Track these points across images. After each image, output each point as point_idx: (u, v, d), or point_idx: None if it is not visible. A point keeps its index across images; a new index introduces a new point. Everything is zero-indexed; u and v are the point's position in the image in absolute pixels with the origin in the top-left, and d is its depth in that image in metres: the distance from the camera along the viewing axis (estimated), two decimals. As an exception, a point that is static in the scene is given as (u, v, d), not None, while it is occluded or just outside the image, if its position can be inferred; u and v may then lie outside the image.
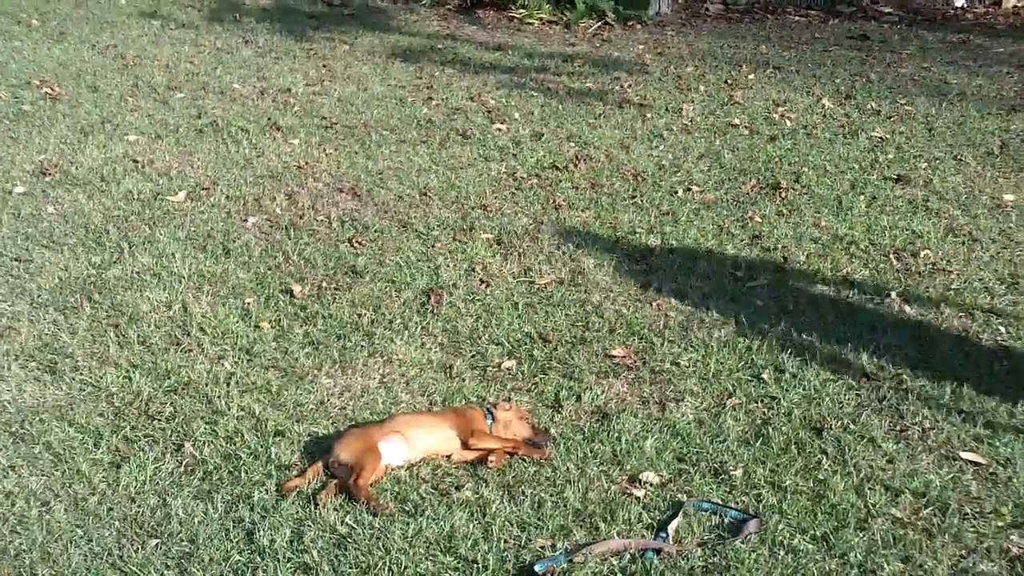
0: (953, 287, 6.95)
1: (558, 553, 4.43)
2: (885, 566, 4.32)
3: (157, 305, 6.63)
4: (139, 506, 4.71)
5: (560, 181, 9.12)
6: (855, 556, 4.38)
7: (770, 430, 5.33)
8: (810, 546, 4.46)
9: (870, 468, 5.01)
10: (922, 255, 7.46)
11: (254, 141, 10.03)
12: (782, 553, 4.42)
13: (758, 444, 5.22)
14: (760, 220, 8.17)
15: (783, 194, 8.71)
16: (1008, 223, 8.09)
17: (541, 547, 4.48)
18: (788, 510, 4.70)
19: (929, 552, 4.41)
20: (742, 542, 4.47)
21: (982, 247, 7.60)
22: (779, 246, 7.66)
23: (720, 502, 4.76)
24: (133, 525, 4.59)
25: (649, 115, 11.16)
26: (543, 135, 10.43)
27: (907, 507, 4.72)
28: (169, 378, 5.78)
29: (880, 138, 10.31)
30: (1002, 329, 6.34)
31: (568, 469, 5.00)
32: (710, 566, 4.36)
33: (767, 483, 4.91)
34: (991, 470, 4.99)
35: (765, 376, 5.86)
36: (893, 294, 6.83)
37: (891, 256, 7.47)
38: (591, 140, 10.27)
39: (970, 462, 5.06)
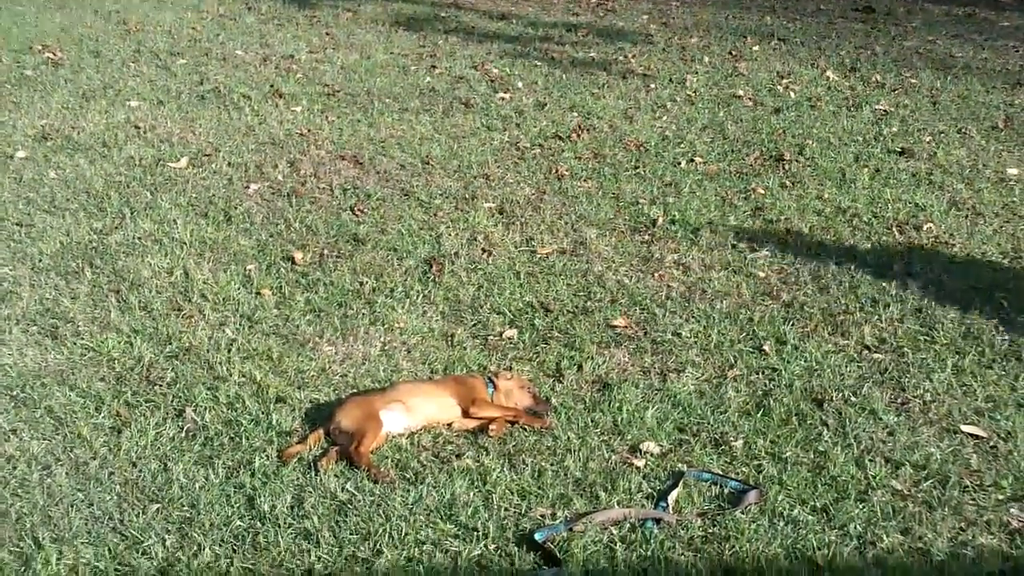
0: (956, 261, 6.93)
1: (558, 522, 4.43)
2: (885, 538, 4.32)
3: (158, 271, 6.62)
4: (140, 471, 4.71)
5: (563, 151, 9.09)
6: (855, 527, 4.39)
7: (771, 401, 5.33)
8: (810, 517, 4.46)
9: (871, 440, 5.00)
10: (925, 228, 7.44)
11: (256, 108, 10.00)
12: (782, 524, 4.42)
13: (759, 415, 5.21)
14: (763, 192, 8.14)
15: (787, 166, 8.68)
16: (1012, 197, 8.07)
17: (541, 516, 4.49)
18: (788, 481, 4.69)
19: (929, 524, 4.41)
20: (742, 512, 4.47)
21: (985, 221, 7.58)
22: (782, 218, 7.64)
23: (720, 473, 4.76)
24: (134, 490, 4.59)
25: (653, 86, 11.13)
26: (546, 105, 10.40)
27: (907, 479, 4.71)
28: (170, 344, 5.78)
29: (884, 111, 10.28)
30: (1004, 303, 6.32)
31: (569, 439, 5.00)
32: (710, 536, 4.37)
33: (768, 454, 4.91)
34: (991, 443, 4.99)
35: (766, 347, 5.85)
36: (895, 267, 6.81)
37: (894, 229, 7.45)
38: (594, 110, 10.24)
39: (971, 435, 5.06)
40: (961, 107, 10.49)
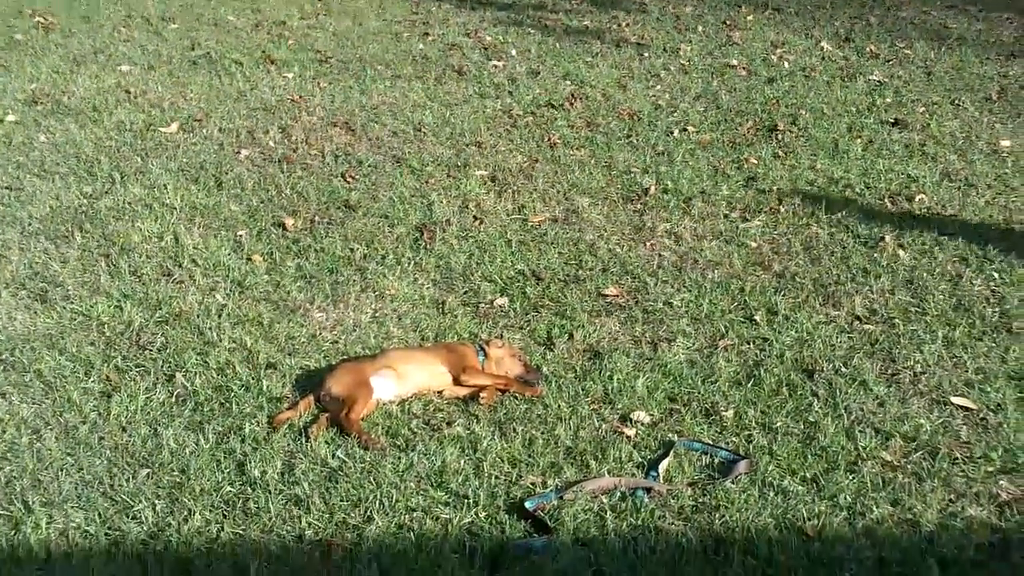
0: (948, 232, 6.92)
1: (549, 490, 4.44)
2: (874, 508, 4.33)
3: (149, 236, 6.59)
4: (130, 436, 4.70)
5: (556, 119, 9.06)
6: (844, 498, 4.39)
7: (762, 372, 5.33)
8: (800, 488, 4.47)
9: (861, 411, 5.01)
10: (917, 199, 7.43)
11: (248, 74, 9.94)
12: (772, 494, 4.42)
13: (750, 385, 5.22)
14: (756, 162, 8.12)
15: (780, 136, 8.66)
16: (1004, 169, 8.06)
17: (532, 484, 4.49)
18: (778, 452, 4.70)
19: (918, 496, 4.42)
20: (732, 483, 4.48)
21: (978, 192, 7.58)
22: (774, 188, 7.62)
23: (711, 443, 4.76)
24: (124, 454, 4.58)
25: (646, 55, 11.08)
26: (539, 73, 10.35)
27: (897, 451, 4.72)
28: (160, 309, 5.76)
29: (878, 82, 10.25)
30: (995, 275, 6.32)
31: (559, 407, 5.00)
32: (700, 506, 4.37)
33: (758, 424, 4.91)
34: (981, 415, 5.00)
35: (758, 318, 5.85)
36: (887, 238, 6.81)
37: (886, 200, 7.44)
38: (588, 79, 10.19)
39: (961, 407, 5.06)
40: (955, 78, 10.46)
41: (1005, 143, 8.58)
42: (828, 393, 5.16)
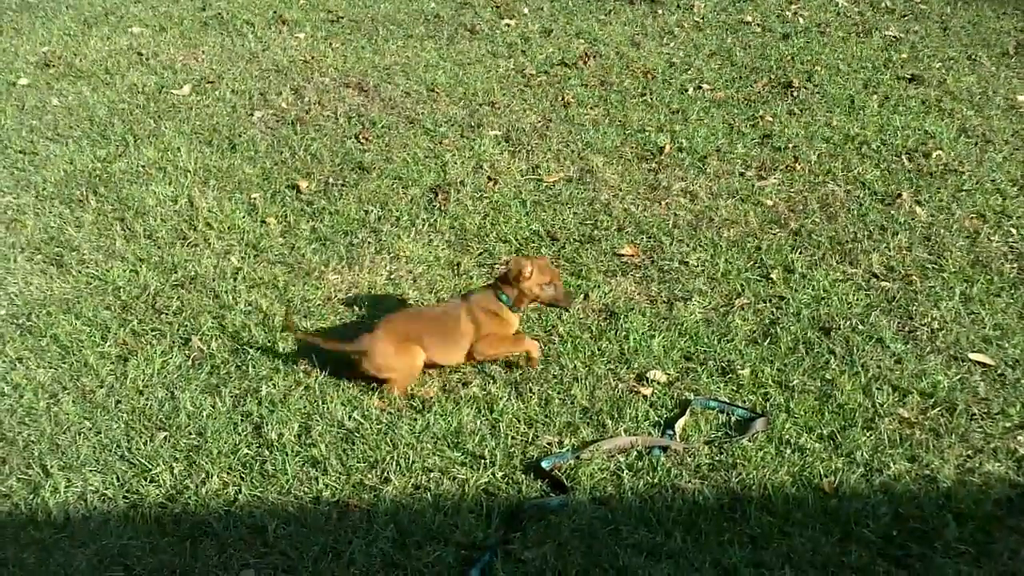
0: (965, 188, 6.87)
1: (565, 450, 4.45)
2: (891, 465, 4.33)
3: (163, 199, 6.59)
4: (147, 399, 4.72)
5: (569, 78, 8.99)
6: (861, 455, 4.39)
7: (778, 330, 5.31)
8: (817, 445, 4.47)
9: (878, 368, 5.00)
10: (934, 156, 7.36)
11: (260, 34, 9.89)
12: (788, 451, 4.43)
13: (766, 344, 5.21)
14: (771, 119, 8.06)
15: (795, 93, 8.58)
16: (1022, 124, 7.97)
17: (548, 444, 4.50)
18: (795, 409, 4.70)
19: (936, 452, 4.42)
20: (749, 440, 4.48)
21: (995, 148, 7.50)
22: (790, 145, 7.56)
23: (727, 400, 4.76)
24: (141, 418, 4.61)
25: (660, 12, 10.97)
26: (552, 31, 10.26)
27: (914, 407, 4.71)
28: (176, 272, 5.77)
29: (894, 37, 10.13)
30: (1013, 231, 6.28)
31: (576, 367, 5.00)
32: (716, 464, 4.38)
33: (774, 382, 4.91)
34: (999, 371, 4.98)
35: (774, 276, 5.83)
36: (904, 195, 6.76)
37: (903, 157, 7.38)
38: (601, 37, 10.10)
39: (978, 363, 5.05)
40: (972, 33, 10.33)
41: (1022, 98, 8.48)
42: (845, 351, 5.15)
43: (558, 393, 4.81)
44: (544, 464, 4.33)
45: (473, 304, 4.96)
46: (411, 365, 4.78)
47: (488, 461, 4.37)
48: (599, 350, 5.15)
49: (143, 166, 7.04)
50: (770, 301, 5.62)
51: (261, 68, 8.99)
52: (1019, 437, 4.52)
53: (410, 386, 4.82)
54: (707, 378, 4.95)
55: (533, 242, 6.20)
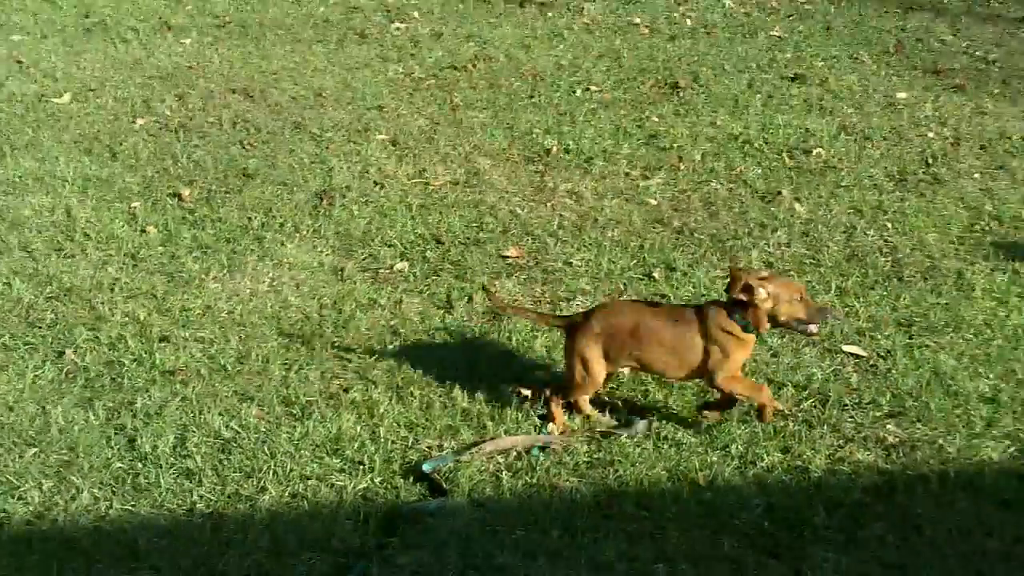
0: (843, 184, 7.00)
1: (445, 453, 4.44)
2: (765, 457, 4.39)
3: (40, 210, 6.47)
4: (17, 415, 4.62)
5: (458, 81, 9.01)
6: (736, 448, 4.45)
7: (659, 328, 5.35)
8: (693, 439, 4.51)
9: (755, 362, 5.06)
10: (815, 153, 7.49)
11: (144, 41, 9.75)
12: (666, 447, 4.47)
13: (647, 341, 5.24)
14: (657, 120, 8.14)
15: (681, 94, 8.68)
16: (900, 121, 8.15)
17: (428, 447, 4.49)
18: (675, 405, 4.75)
19: (808, 442, 4.49)
20: (628, 437, 4.51)
21: (873, 145, 7.66)
22: (675, 145, 7.65)
23: (609, 399, 4.79)
24: (11, 434, 4.51)
25: (550, 14, 11.04)
26: (442, 34, 10.27)
27: (789, 400, 4.78)
28: (51, 284, 5.66)
29: (779, 37, 10.31)
30: (888, 225, 6.42)
31: (457, 370, 5.00)
32: (595, 461, 4.40)
33: (653, 379, 4.94)
34: (871, 362, 5.08)
35: (656, 274, 5.89)
36: (785, 192, 6.87)
37: (784, 155, 7.50)
38: (491, 39, 10.14)
39: (851, 355, 5.14)
40: (854, 32, 10.54)
41: (901, 95, 8.67)
42: (724, 346, 5.20)
43: (439, 396, 4.80)
44: (425, 467, 4.32)
45: (709, 319, 4.43)
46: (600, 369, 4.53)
47: (367, 467, 4.34)
48: (482, 351, 5.16)
49: (19, 177, 6.90)
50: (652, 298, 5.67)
51: (145, 75, 8.87)
52: (888, 425, 4.61)
53: (596, 392, 4.67)
54: (588, 377, 4.98)
55: (418, 246, 6.18)
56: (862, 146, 7.66)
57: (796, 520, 4.07)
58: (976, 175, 7.12)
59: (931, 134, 7.82)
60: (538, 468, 4.34)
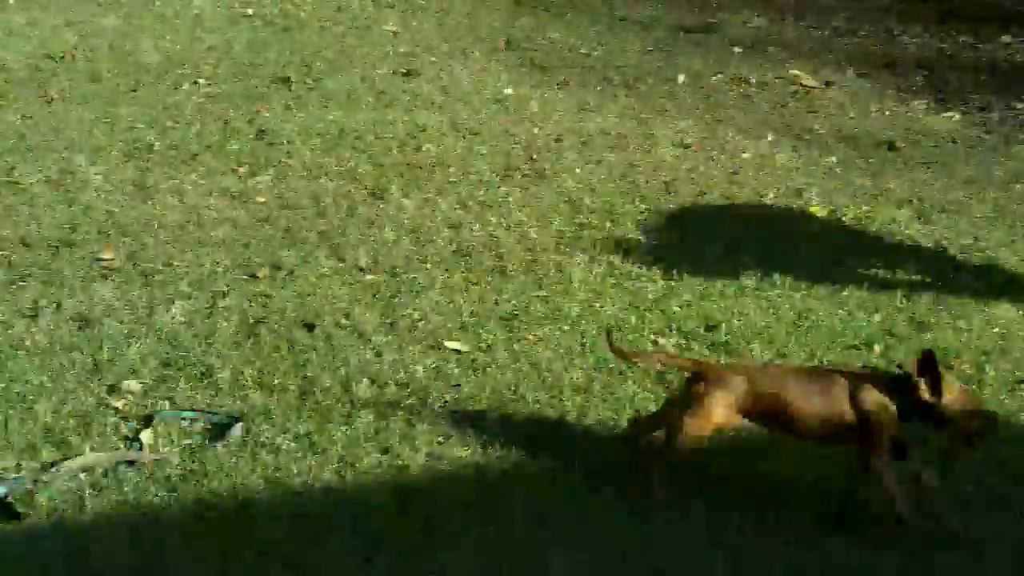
0: (451, 180, 7.10)
1: (22, 474, 4.14)
2: (364, 458, 4.36)
3: None
4: None
5: (56, 73, 8.49)
6: (336, 451, 4.39)
7: (262, 329, 5.24)
8: (293, 444, 4.42)
9: (359, 362, 5.03)
10: (424, 149, 7.57)
11: None
12: (264, 453, 4.35)
13: (248, 344, 5.11)
14: (268, 115, 7.98)
15: (292, 88, 8.56)
16: (508, 117, 8.37)
17: (4, 469, 4.17)
18: (274, 410, 4.64)
19: (408, 441, 4.49)
20: (223, 446, 4.37)
21: (481, 140, 7.83)
22: (285, 141, 7.52)
23: (203, 409, 4.63)
24: None
25: (158, 3, 10.61)
26: (39, 21, 9.65)
27: (391, 398, 4.78)
28: None
29: (393, 32, 10.37)
30: (493, 219, 6.56)
31: (41, 383, 4.68)
32: (188, 474, 4.23)
33: (255, 384, 4.82)
34: (472, 357, 5.16)
35: (260, 274, 5.76)
36: (394, 188, 6.89)
37: (395, 150, 7.53)
38: (94, 29, 9.62)
39: (454, 350, 5.21)
40: (467, 28, 10.76)
41: (508, 91, 8.92)
42: (327, 346, 5.14)
43: (19, 412, 4.47)
44: (-1, 492, 4.01)
45: (861, 385, 3.89)
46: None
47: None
48: (69, 362, 4.86)
49: None
50: (256, 300, 5.53)
51: None
52: (488, 416, 4.69)
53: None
54: (185, 384, 4.79)
55: (2, 250, 5.76)
56: (471, 142, 7.81)
57: (394, 519, 4.06)
58: (577, 169, 7.39)
59: (536, 130, 8.07)
60: (126, 484, 4.13)
